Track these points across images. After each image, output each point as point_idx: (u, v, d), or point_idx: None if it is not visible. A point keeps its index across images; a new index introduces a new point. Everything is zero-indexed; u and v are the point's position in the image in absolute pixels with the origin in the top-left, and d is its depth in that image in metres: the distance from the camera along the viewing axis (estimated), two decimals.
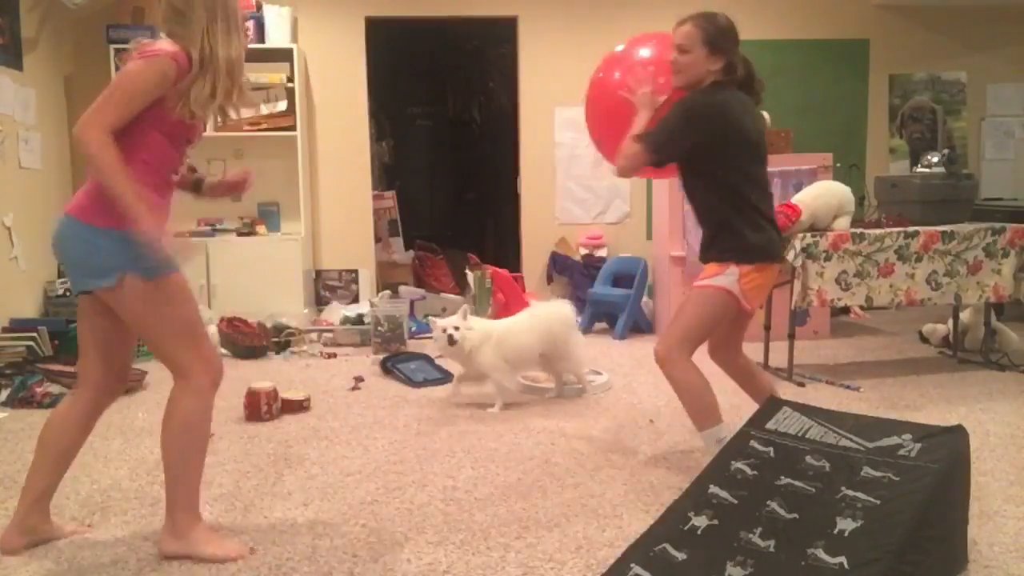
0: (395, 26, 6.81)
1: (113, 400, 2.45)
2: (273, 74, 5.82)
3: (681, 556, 1.96)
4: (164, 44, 2.18)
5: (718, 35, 2.74)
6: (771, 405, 2.59)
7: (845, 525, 1.99)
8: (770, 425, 2.46)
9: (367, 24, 6.32)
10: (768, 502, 2.12)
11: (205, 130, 2.46)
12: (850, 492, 2.10)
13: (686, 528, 2.06)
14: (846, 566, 1.85)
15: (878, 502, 2.04)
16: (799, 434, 2.40)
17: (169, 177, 2.31)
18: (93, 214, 2.16)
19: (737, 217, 2.77)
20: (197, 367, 2.26)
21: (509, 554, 2.34)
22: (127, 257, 2.14)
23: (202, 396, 2.28)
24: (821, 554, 1.90)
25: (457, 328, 3.81)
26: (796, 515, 2.06)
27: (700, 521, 2.08)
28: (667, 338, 2.84)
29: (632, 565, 1.95)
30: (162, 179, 2.28)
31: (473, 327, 3.86)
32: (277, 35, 5.91)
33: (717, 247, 2.82)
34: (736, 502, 2.14)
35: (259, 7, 5.92)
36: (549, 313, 4.08)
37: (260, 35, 5.88)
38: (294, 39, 6.05)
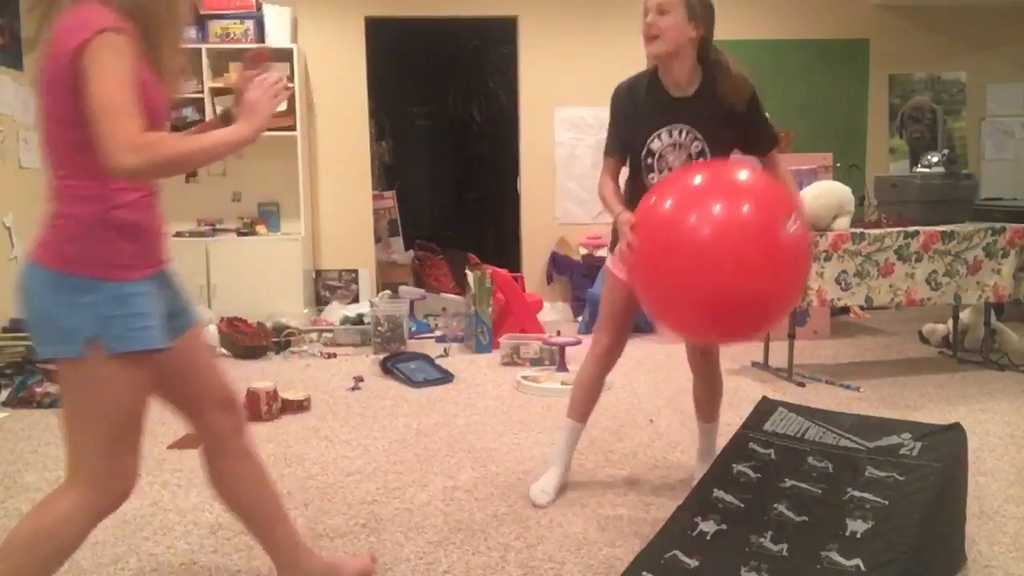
0: (395, 26, 6.82)
1: (233, 431, 1.95)
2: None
3: (693, 563, 1.96)
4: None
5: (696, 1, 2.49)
6: (766, 406, 2.59)
7: (856, 527, 1.99)
8: (767, 426, 2.46)
9: (367, 24, 6.33)
10: (775, 505, 2.11)
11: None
12: (857, 493, 2.10)
13: (695, 534, 2.05)
14: (863, 568, 1.85)
15: (886, 503, 2.05)
16: (798, 435, 2.40)
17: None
18: (64, 258, 1.59)
19: None
20: (101, 481, 1.69)
21: (509, 554, 2.34)
22: (96, 319, 1.59)
23: (82, 512, 1.68)
24: (836, 556, 1.90)
25: None
26: (805, 517, 2.06)
27: (708, 526, 2.07)
28: None
29: (644, 573, 1.94)
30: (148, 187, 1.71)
31: None
32: (277, 35, 5.91)
33: None
34: (743, 506, 2.14)
35: (259, 7, 5.92)
36: None
37: (260, 35, 5.89)
38: (294, 39, 6.06)
